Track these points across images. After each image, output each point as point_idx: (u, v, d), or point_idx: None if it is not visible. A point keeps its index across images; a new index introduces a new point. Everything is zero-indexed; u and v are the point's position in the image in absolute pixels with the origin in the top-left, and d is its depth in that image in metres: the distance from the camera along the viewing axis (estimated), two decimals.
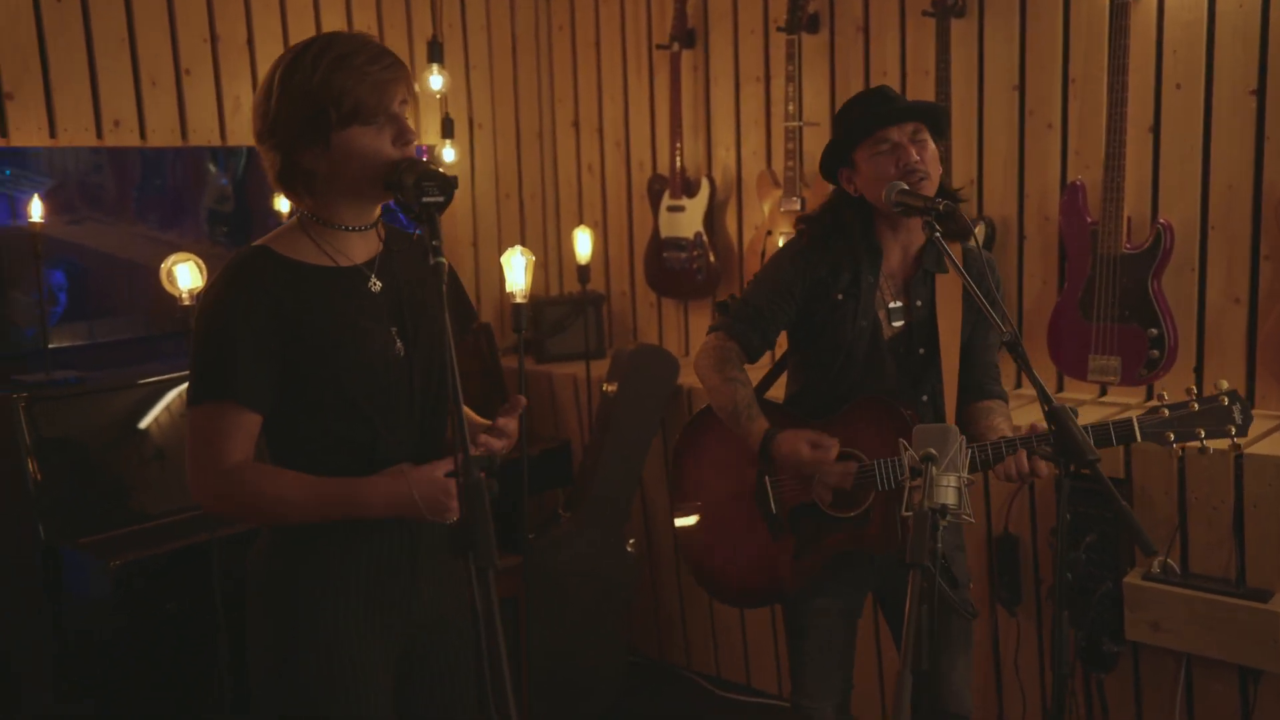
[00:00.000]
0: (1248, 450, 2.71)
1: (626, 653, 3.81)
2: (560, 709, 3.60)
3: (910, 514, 1.65)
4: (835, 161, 2.38)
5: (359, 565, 1.80)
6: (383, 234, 1.88)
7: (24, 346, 3.20)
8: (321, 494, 1.74)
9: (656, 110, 4.23)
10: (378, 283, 1.82)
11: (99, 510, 2.92)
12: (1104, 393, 3.26)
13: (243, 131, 3.68)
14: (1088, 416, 3.00)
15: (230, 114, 3.69)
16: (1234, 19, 2.95)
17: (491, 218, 4.52)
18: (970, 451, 2.10)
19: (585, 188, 4.51)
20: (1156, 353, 3.00)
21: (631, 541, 3.74)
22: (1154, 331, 3.00)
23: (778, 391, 2.62)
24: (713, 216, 4.05)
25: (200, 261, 2.80)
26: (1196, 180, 3.05)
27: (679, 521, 2.58)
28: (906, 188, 2.24)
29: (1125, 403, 3.19)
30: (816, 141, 3.41)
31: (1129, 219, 3.06)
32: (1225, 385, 2.12)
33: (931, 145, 2.31)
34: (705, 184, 4.04)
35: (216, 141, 3.66)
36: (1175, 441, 2.12)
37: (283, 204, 3.43)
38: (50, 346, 3.16)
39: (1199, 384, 3.08)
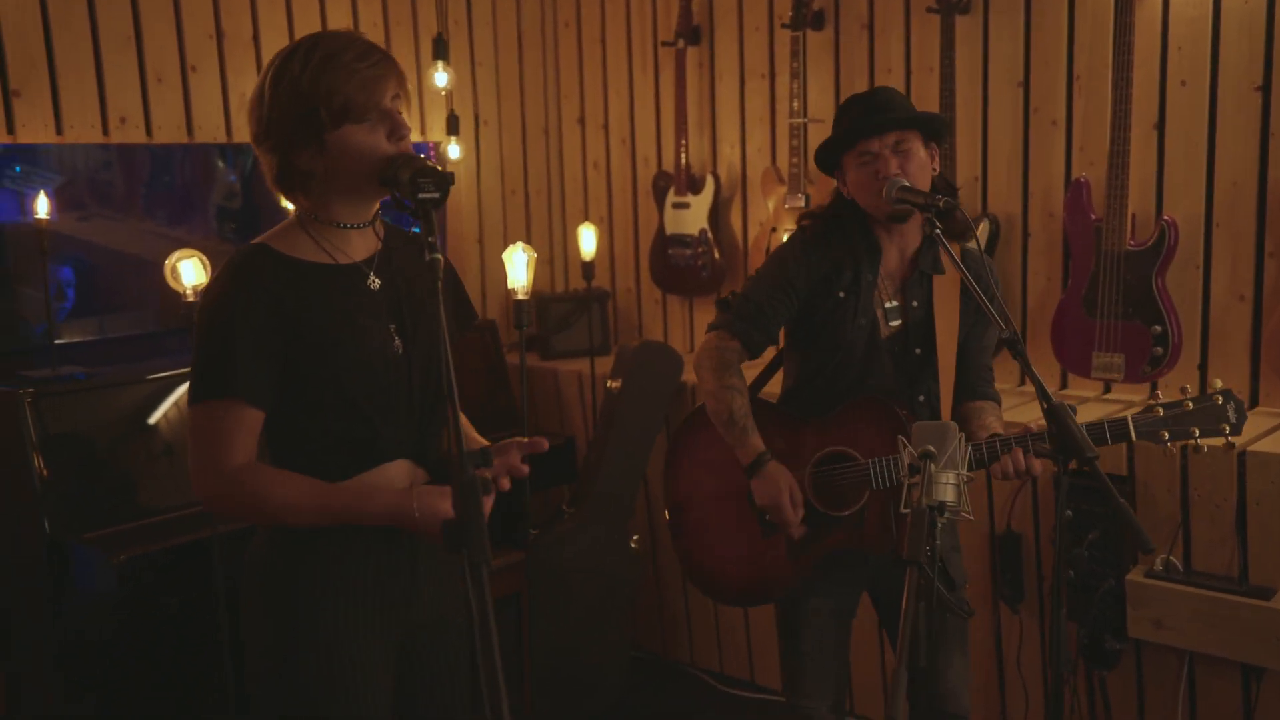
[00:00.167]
0: (1250, 448, 2.71)
1: (630, 649, 3.82)
2: (564, 705, 3.61)
3: (909, 511, 1.65)
4: (828, 164, 2.41)
5: (360, 565, 1.81)
6: (381, 232, 1.89)
7: (33, 342, 3.22)
8: (325, 504, 1.74)
9: (662, 107, 4.24)
10: (376, 280, 1.83)
11: (104, 505, 2.93)
12: (1108, 390, 3.26)
13: (248, 129, 3.69)
14: (1091, 414, 3.00)
15: (236, 110, 3.70)
16: (1239, 15, 2.94)
17: (497, 214, 4.53)
18: (968, 449, 2.09)
19: (591, 184, 4.51)
20: (1160, 350, 2.99)
21: (635, 538, 3.75)
22: (1158, 329, 2.99)
23: (772, 388, 2.62)
24: (718, 213, 4.05)
25: (204, 258, 2.81)
26: (1201, 177, 3.04)
27: (670, 516, 2.59)
28: (906, 184, 2.24)
29: (1129, 400, 3.18)
30: (821, 138, 3.40)
31: (1133, 216, 3.05)
32: (1220, 385, 2.12)
33: (920, 153, 2.31)
34: (710, 181, 4.04)
35: (222, 138, 3.67)
36: (1170, 440, 2.12)
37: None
38: (59, 342, 3.19)
39: (1202, 381, 3.07)
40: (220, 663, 2.84)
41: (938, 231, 2.16)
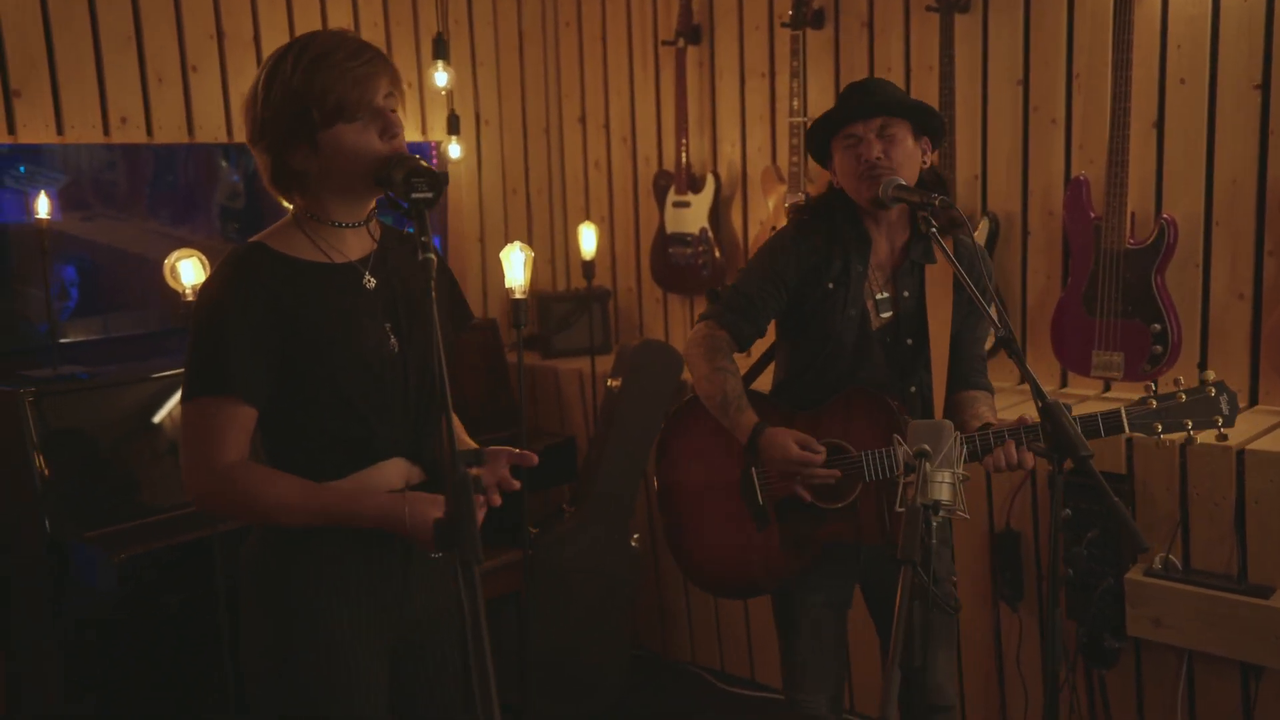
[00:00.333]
0: (1250, 446, 2.70)
1: (630, 647, 3.82)
2: (564, 704, 3.61)
3: (903, 509, 1.65)
4: (820, 153, 2.41)
5: (353, 566, 1.81)
6: (377, 232, 1.89)
7: (35, 341, 3.24)
8: (317, 504, 1.75)
9: (662, 106, 4.24)
10: (372, 279, 1.83)
11: (105, 504, 2.94)
12: (1108, 388, 3.25)
13: None
14: (1089, 411, 2.99)
15: (237, 110, 3.69)
16: (1238, 13, 2.93)
17: (498, 213, 4.53)
18: (963, 449, 2.09)
19: (591, 183, 4.52)
20: (1160, 348, 2.99)
21: (636, 536, 3.75)
22: (1157, 327, 2.99)
23: (764, 382, 2.62)
24: (718, 212, 4.05)
25: (203, 257, 2.82)
26: (1200, 175, 3.03)
27: (661, 510, 2.59)
28: (903, 182, 2.25)
29: (1128, 398, 3.16)
30: None
31: (1133, 214, 3.05)
32: (1212, 375, 2.11)
33: (906, 141, 2.31)
34: (710, 179, 4.05)
35: (223, 138, 3.68)
36: (1163, 433, 2.12)
37: None
38: (62, 341, 3.20)
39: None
40: (220, 662, 2.85)
41: (934, 230, 2.16)
